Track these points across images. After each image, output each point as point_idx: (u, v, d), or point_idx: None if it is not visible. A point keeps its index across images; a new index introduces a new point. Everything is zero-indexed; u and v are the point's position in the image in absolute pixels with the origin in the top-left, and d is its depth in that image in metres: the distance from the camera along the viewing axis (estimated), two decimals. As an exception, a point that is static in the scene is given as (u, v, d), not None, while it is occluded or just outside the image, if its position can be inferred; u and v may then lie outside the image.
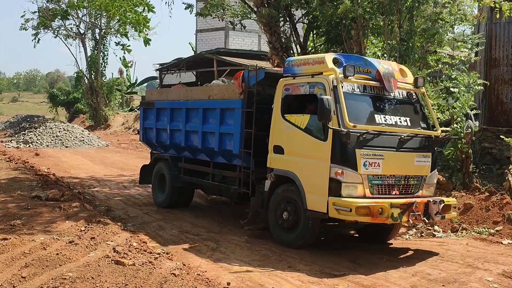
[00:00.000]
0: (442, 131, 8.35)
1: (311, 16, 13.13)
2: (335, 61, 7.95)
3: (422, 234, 9.08)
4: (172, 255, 7.48)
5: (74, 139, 24.77)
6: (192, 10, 15.03)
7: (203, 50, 25.38)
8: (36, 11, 32.60)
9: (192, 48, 36.01)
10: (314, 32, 13.44)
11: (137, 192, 13.19)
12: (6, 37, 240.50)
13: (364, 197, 7.48)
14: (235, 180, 9.42)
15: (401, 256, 7.96)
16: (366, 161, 7.47)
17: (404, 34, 11.04)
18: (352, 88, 7.80)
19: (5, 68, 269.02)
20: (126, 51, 34.18)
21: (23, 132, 26.02)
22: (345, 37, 11.62)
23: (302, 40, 13.68)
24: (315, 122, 7.69)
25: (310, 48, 13.85)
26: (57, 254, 6.67)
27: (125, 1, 30.14)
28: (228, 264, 7.26)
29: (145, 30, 30.89)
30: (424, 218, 7.68)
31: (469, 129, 8.05)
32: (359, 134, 7.45)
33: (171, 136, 11.08)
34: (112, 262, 6.47)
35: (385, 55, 11.29)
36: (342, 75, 7.66)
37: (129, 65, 40.73)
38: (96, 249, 7.13)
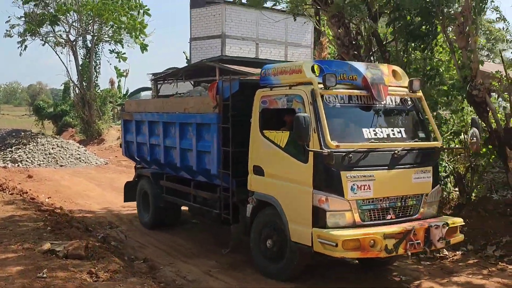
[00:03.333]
0: None
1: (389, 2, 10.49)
2: (315, 69, 6.90)
3: None
4: None
5: (69, 157, 21.77)
6: None
7: (199, 59, 23.84)
8: (22, 16, 30.39)
9: (186, 57, 33.25)
10: (396, 24, 10.52)
11: (176, 233, 10.12)
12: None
13: (354, 225, 6.48)
14: (216, 202, 8.49)
15: None
16: (353, 184, 6.45)
17: None
18: (335, 100, 6.75)
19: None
20: (121, 59, 31.55)
21: (10, 149, 22.50)
22: (444, 28, 9.28)
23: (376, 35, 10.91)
24: (295, 140, 6.69)
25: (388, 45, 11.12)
26: None
27: (119, 5, 28.09)
28: None
29: (141, 36, 28.83)
30: (425, 247, 6.66)
31: (474, 138, 6.94)
32: (343, 154, 6.42)
33: (151, 151, 10.19)
34: None
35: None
36: (322, 86, 6.62)
37: (124, 74, 36.86)
38: None
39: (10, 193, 12.84)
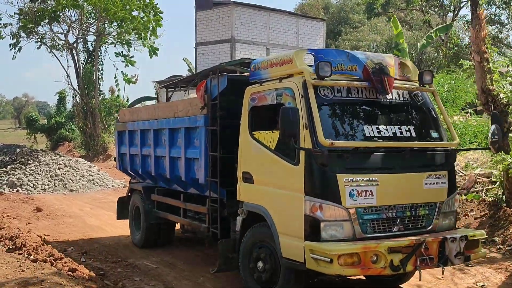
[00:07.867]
0: None
1: None
2: (309, 58, 6.03)
3: None
4: None
5: (80, 179, 18.00)
6: None
7: (205, 65, 22.34)
8: (16, 13, 26.74)
9: (188, 64, 31.38)
10: None
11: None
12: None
13: (354, 238, 5.51)
14: (205, 216, 7.58)
15: None
16: (353, 189, 5.49)
17: None
18: (331, 92, 5.85)
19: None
20: (129, 64, 27.57)
21: (5, 169, 18.39)
22: None
23: None
24: (284, 139, 5.76)
25: None
26: None
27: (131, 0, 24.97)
28: None
29: (151, 37, 25.67)
30: (440, 263, 5.62)
31: (495, 137, 5.95)
32: (339, 153, 5.48)
33: (143, 163, 9.40)
34: None
35: None
36: (316, 76, 5.73)
37: (133, 80, 31.32)
38: None
39: (31, 257, 7.22)
